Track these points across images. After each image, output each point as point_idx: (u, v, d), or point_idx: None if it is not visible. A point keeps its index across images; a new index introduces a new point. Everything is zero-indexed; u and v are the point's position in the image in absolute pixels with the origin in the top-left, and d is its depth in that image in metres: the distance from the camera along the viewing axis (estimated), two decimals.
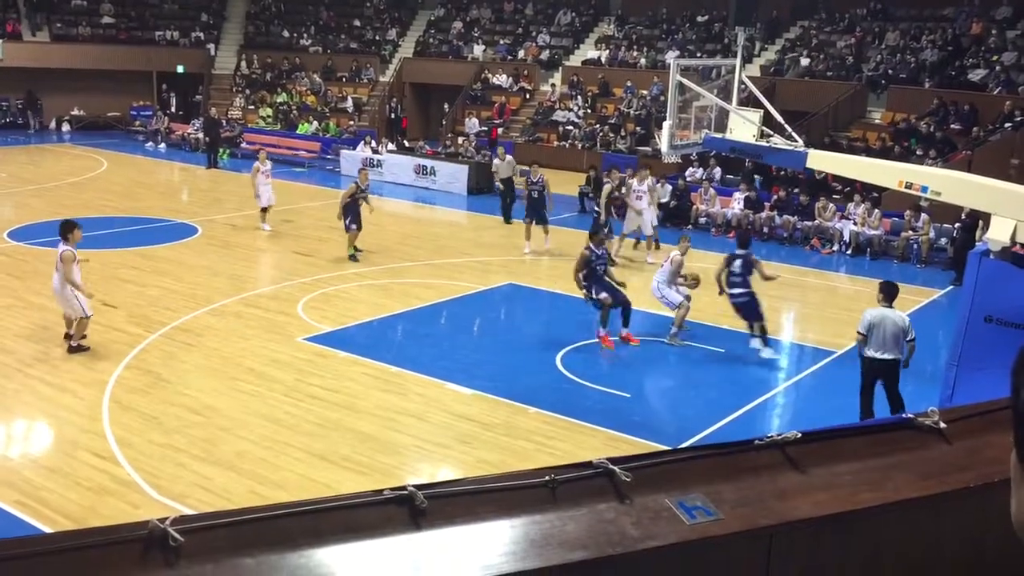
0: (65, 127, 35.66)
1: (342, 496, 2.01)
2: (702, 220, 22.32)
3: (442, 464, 9.44)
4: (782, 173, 22.58)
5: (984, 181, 10.33)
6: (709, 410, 10.94)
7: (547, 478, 2.13)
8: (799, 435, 2.35)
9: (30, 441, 9.81)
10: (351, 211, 17.31)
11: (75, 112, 35.97)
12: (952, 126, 24.13)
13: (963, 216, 18.34)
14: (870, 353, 10.14)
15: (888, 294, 10.29)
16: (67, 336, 12.10)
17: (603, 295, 12.70)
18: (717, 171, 24.29)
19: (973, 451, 2.41)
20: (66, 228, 12.13)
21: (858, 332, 10.22)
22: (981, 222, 17.11)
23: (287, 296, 14.83)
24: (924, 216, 19.51)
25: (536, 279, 16.98)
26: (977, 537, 2.37)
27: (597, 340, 12.70)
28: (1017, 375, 1.30)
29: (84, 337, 12.06)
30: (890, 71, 27.86)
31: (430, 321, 14.32)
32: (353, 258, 17.21)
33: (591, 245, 13.05)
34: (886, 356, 10.12)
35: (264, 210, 19.72)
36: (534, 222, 18.60)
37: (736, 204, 22.03)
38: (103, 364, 11.54)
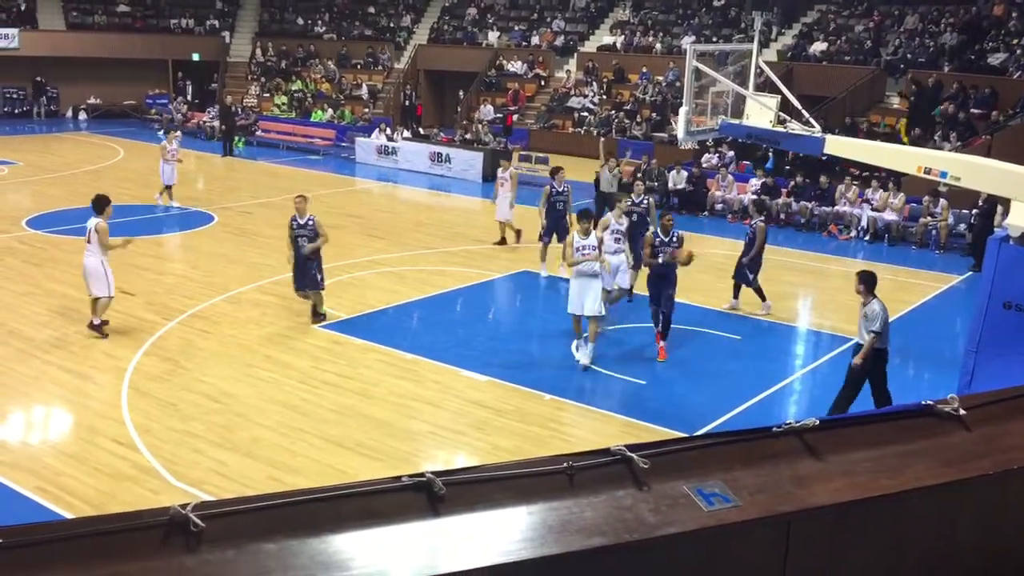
0: (82, 115, 35.80)
1: (361, 482, 2.02)
2: (718, 206, 22.23)
3: (457, 450, 9.47)
4: (797, 159, 22.43)
5: (1004, 166, 10.23)
6: (725, 397, 10.92)
7: (565, 465, 2.13)
8: (817, 422, 2.34)
9: (50, 428, 9.89)
10: (319, 262, 12.95)
11: (91, 100, 36.11)
12: (972, 110, 23.90)
13: (980, 202, 18.20)
14: (883, 345, 9.95)
15: (872, 284, 9.93)
16: (92, 325, 12.23)
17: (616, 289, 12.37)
18: (730, 155, 24.17)
19: (992, 438, 2.40)
20: (100, 202, 12.40)
21: (873, 332, 9.75)
22: (1000, 208, 16.99)
23: None
24: (943, 202, 19.36)
25: (551, 266, 16.95)
26: (996, 523, 2.36)
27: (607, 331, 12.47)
28: None
29: (106, 323, 12.21)
30: (908, 55, 27.60)
31: (445, 308, 14.33)
32: (321, 316, 13.08)
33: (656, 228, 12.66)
34: (887, 346, 10.05)
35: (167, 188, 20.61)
36: (556, 238, 15.65)
37: (751, 189, 21.94)
38: (121, 351, 11.62)
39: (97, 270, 12.13)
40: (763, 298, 14.19)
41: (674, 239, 12.28)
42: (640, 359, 12.06)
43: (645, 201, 15.10)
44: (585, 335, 11.78)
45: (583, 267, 11.40)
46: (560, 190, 16.10)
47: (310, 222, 12.79)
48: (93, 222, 12.20)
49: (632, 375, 11.50)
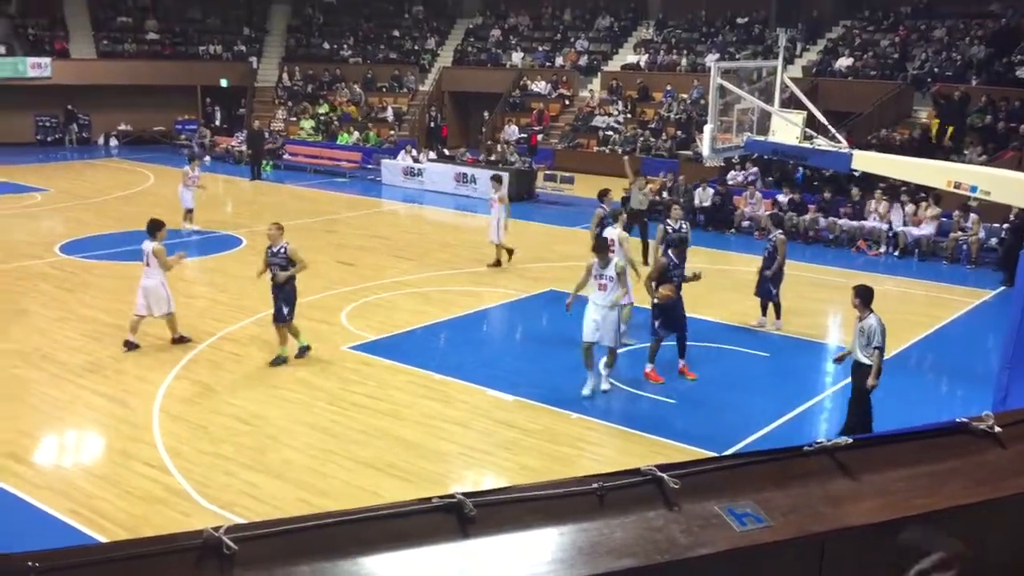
0: (112, 142, 36.35)
1: (392, 504, 2.02)
2: (745, 223, 22.13)
3: (486, 471, 9.45)
4: (821, 175, 22.31)
5: None
6: (754, 416, 10.83)
7: (595, 485, 2.12)
8: (850, 440, 2.32)
9: (82, 451, 9.99)
10: (287, 294, 12.30)
11: (122, 127, 36.66)
12: (1000, 124, 23.69)
13: (1012, 216, 17.98)
14: (872, 360, 9.67)
15: (868, 299, 9.73)
16: (175, 340, 12.90)
17: (658, 323, 11.85)
18: (754, 171, 24.08)
19: None
20: (154, 226, 12.90)
21: (877, 348, 9.52)
22: None
23: (330, 305, 14.96)
24: (973, 216, 19.17)
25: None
26: None
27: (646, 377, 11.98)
28: None
29: (182, 339, 12.93)
30: (936, 69, 27.43)
31: (472, 328, 14.35)
32: (281, 360, 12.30)
33: (669, 252, 12.17)
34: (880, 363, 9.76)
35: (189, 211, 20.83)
36: None
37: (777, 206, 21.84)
38: (153, 375, 11.73)
39: (158, 291, 12.67)
40: (779, 315, 14.10)
41: (684, 260, 12.13)
42: (669, 378, 11.98)
43: (684, 226, 14.36)
44: (599, 366, 11.40)
45: (598, 297, 11.13)
46: (676, 227, 14.73)
47: (282, 250, 12.24)
48: (149, 245, 12.70)
49: (660, 394, 11.45)
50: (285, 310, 12.16)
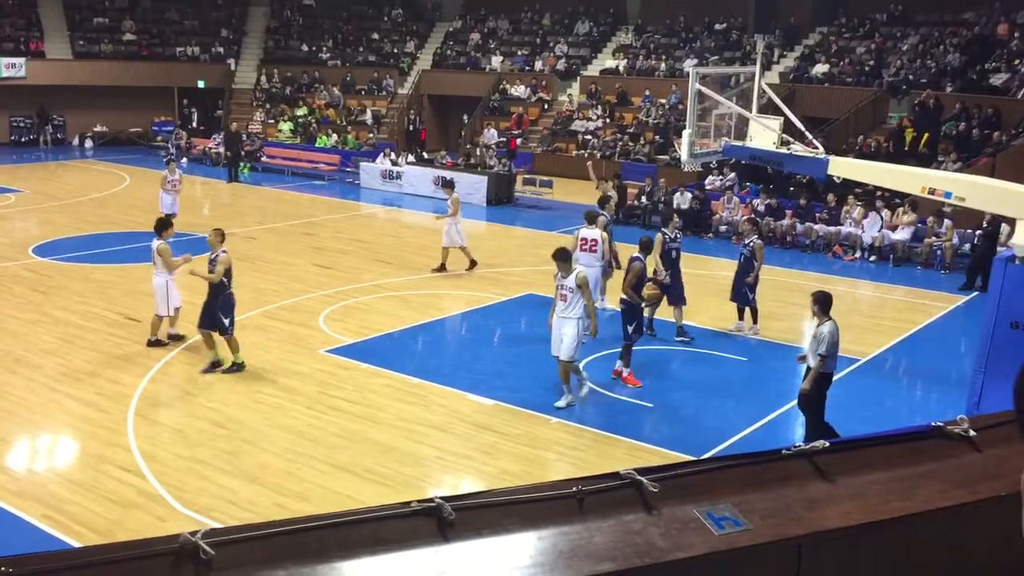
0: (88, 143, 36.04)
1: (370, 508, 2.01)
2: (722, 228, 22.25)
3: (464, 475, 9.44)
4: (798, 180, 22.48)
5: (1009, 186, 10.25)
6: (732, 420, 10.88)
7: (574, 489, 2.13)
8: (827, 444, 2.34)
9: (56, 455, 9.89)
10: (225, 305, 11.96)
11: (97, 128, 36.35)
12: (974, 131, 23.96)
13: (985, 223, 18.18)
14: (828, 370, 9.74)
15: (827, 305, 9.75)
16: (151, 342, 12.91)
17: (631, 327, 11.84)
18: (732, 176, 24.21)
19: (1003, 459, 2.39)
20: (161, 225, 12.98)
21: (820, 356, 9.52)
22: (1006, 227, 16.98)
23: (308, 308, 14.89)
24: (947, 222, 19.37)
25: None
26: (1008, 545, 2.35)
27: (615, 377, 12.02)
28: (1018, 391, 1.27)
29: (158, 342, 12.89)
30: (911, 76, 27.71)
31: (451, 332, 14.34)
32: (239, 367, 12.00)
33: (640, 255, 12.09)
34: (832, 371, 9.87)
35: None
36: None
37: (752, 210, 21.97)
38: (127, 378, 11.63)
39: (160, 289, 12.74)
40: (755, 319, 14.16)
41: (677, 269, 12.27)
42: (647, 382, 12.00)
43: (680, 236, 14.35)
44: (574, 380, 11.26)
45: (560, 308, 10.94)
46: (672, 236, 13.99)
47: (216, 257, 11.95)
48: (156, 244, 12.76)
49: (638, 398, 11.48)
50: (225, 321, 11.79)
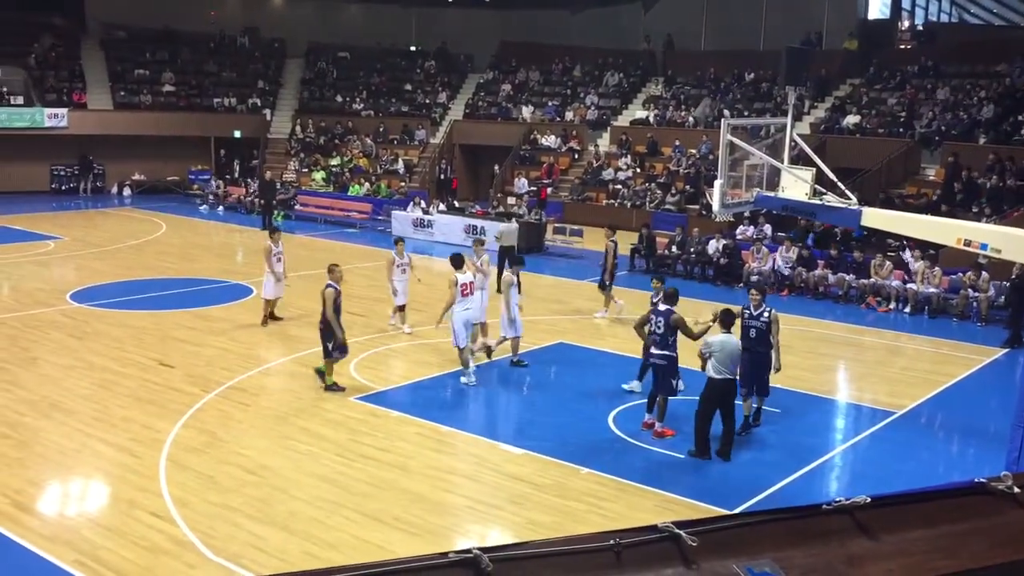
0: (126, 191, 36.70)
1: (406, 559, 2.00)
2: (753, 277, 22.13)
3: (494, 525, 9.36)
4: (833, 230, 22.36)
5: None
6: (765, 472, 10.73)
7: (612, 542, 2.10)
8: (868, 499, 2.30)
9: (88, 500, 9.93)
10: (330, 334, 13.20)
11: (136, 177, 37.04)
12: (1008, 182, 23.79)
13: (1013, 275, 17.85)
14: (711, 374, 10.74)
15: (727, 322, 10.93)
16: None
17: (678, 383, 11.81)
18: (767, 228, 24.16)
19: None
20: (455, 261, 14.71)
21: (701, 353, 10.83)
22: None
23: None
24: (984, 274, 19.14)
25: (586, 338, 16.94)
26: None
27: (644, 429, 11.87)
28: None
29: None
30: (943, 127, 27.64)
31: (481, 380, 14.30)
32: (335, 387, 13.13)
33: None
34: (726, 376, 10.76)
35: (400, 308, 17.15)
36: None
37: (772, 260, 21.86)
38: (161, 423, 11.70)
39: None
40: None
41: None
42: (679, 432, 11.88)
43: (767, 313, 11.84)
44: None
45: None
46: (755, 313, 11.89)
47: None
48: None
49: (669, 448, 11.36)
50: (329, 346, 13.23)
